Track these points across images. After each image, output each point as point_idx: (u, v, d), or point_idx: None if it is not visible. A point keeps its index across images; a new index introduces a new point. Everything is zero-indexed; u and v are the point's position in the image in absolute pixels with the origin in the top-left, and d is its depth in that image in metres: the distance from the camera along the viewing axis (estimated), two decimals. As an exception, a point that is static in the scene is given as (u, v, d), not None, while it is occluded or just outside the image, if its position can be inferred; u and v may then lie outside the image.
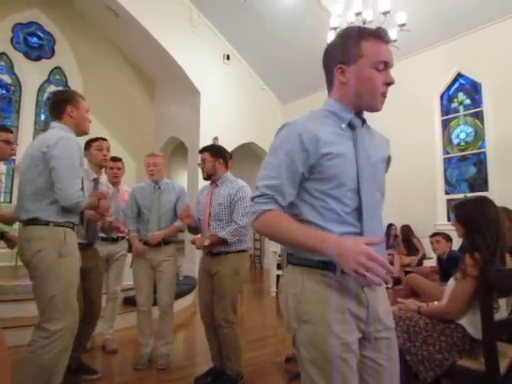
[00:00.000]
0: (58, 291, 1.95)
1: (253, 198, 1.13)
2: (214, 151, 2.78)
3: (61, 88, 8.09)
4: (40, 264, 1.96)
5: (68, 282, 2.01)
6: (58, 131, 2.11)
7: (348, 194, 1.11)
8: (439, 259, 3.85)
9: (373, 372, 1.13)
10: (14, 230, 2.76)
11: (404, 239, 6.32)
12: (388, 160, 1.28)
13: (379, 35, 1.14)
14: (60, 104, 2.18)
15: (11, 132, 2.62)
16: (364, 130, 1.20)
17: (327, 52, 1.21)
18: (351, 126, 1.17)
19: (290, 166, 1.11)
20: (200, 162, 2.78)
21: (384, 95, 1.16)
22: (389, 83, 1.15)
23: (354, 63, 1.13)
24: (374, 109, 1.17)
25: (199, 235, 2.78)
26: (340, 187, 1.10)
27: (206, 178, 2.79)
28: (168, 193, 3.05)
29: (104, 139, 2.93)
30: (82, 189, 2.20)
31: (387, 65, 1.15)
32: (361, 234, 1.09)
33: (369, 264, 0.93)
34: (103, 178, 3.08)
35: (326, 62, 1.22)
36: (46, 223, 2.01)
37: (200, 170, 2.81)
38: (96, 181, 2.88)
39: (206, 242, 2.57)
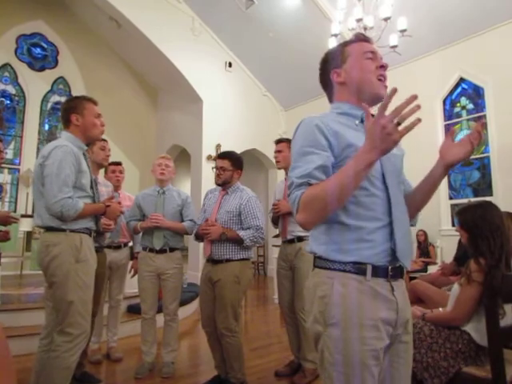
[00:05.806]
0: (77, 296, 1.98)
1: (289, 192, 1.10)
2: (235, 161, 2.75)
3: (64, 97, 8.18)
4: (57, 269, 1.98)
5: (86, 285, 2.04)
6: (59, 141, 2.13)
7: (376, 184, 1.12)
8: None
9: (387, 375, 1.12)
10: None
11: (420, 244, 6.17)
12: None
13: (358, 38, 1.25)
14: (65, 113, 2.20)
15: (0, 140, 2.67)
16: None
17: (322, 68, 1.28)
18: (364, 122, 1.18)
19: (317, 149, 1.09)
20: (216, 166, 2.72)
21: (381, 78, 1.19)
22: (382, 66, 1.20)
23: (345, 62, 1.22)
24: (377, 95, 1.19)
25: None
26: (368, 177, 1.10)
27: (219, 185, 2.75)
28: (172, 199, 3.06)
29: (105, 140, 2.94)
30: (94, 197, 2.23)
31: (374, 54, 1.21)
32: (391, 224, 1.10)
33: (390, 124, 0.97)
34: (100, 178, 3.08)
35: (322, 78, 1.30)
36: (63, 230, 2.03)
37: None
38: (94, 181, 2.89)
39: (223, 237, 2.56)
